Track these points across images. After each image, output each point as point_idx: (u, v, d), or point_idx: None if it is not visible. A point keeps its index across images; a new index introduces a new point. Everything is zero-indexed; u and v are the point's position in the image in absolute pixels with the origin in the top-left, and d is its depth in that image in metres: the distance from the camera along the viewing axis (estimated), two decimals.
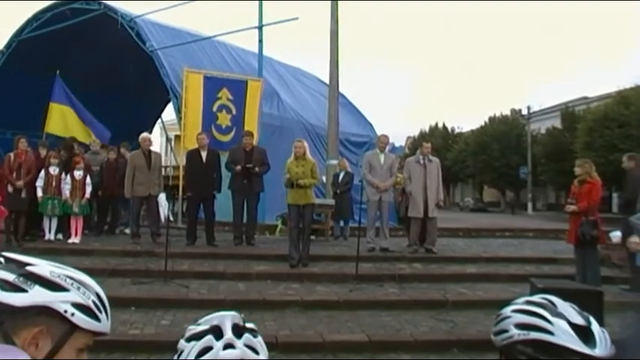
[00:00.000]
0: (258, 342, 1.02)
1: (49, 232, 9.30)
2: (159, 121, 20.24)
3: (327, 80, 13.19)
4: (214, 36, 13.87)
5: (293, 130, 13.01)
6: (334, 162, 11.90)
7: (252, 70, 12.87)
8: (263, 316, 5.75)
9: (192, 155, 9.45)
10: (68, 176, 9.41)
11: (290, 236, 8.08)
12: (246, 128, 10.51)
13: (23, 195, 8.96)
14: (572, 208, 7.60)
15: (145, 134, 10.25)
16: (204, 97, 10.95)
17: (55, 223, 9.38)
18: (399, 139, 31.16)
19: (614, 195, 29.61)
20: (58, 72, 12.64)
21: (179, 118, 11.44)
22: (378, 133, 12.17)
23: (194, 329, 1.04)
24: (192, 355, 0.99)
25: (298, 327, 5.62)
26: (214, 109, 11.02)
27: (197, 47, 13.40)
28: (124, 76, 15.75)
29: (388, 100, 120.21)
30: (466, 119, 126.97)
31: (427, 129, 51.20)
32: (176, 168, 13.73)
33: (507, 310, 1.36)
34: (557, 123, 35.41)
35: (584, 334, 1.24)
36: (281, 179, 8.46)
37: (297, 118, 14.28)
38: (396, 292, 7.03)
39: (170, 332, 5.24)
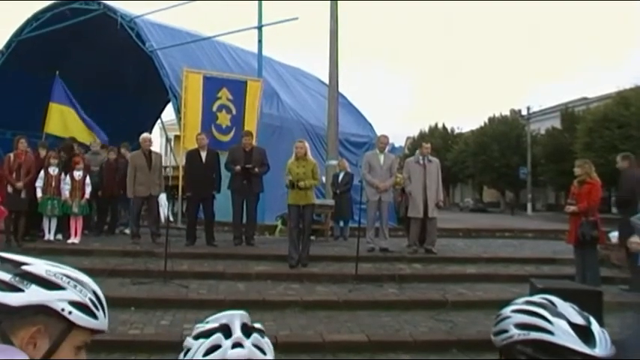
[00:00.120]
0: (266, 342, 1.02)
1: (49, 232, 9.30)
2: (158, 121, 20.24)
3: (326, 80, 13.17)
4: (214, 36, 13.87)
5: (293, 131, 13.01)
6: (334, 162, 11.90)
7: (252, 70, 12.87)
8: (263, 316, 5.72)
9: (192, 155, 9.45)
10: (68, 176, 9.42)
11: (290, 236, 8.07)
12: (245, 128, 10.53)
13: (23, 195, 8.96)
14: (572, 208, 7.60)
15: (145, 134, 10.28)
16: (204, 97, 10.97)
17: (54, 223, 9.38)
18: (398, 140, 31.10)
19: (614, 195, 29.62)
20: (57, 72, 12.64)
21: (179, 119, 11.45)
22: (378, 133, 12.15)
23: (202, 327, 1.03)
24: (200, 353, 0.98)
25: (298, 327, 5.62)
26: (214, 108, 11.03)
27: (197, 47, 13.40)
28: (124, 76, 15.76)
29: (388, 101, 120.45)
30: (466, 120, 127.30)
31: (427, 129, 51.29)
32: (176, 168, 13.71)
33: (507, 310, 1.35)
34: (557, 123, 35.45)
35: (585, 334, 1.23)
36: (281, 179, 8.46)
37: (296, 119, 14.27)
38: (396, 292, 7.03)
39: (170, 332, 5.25)
